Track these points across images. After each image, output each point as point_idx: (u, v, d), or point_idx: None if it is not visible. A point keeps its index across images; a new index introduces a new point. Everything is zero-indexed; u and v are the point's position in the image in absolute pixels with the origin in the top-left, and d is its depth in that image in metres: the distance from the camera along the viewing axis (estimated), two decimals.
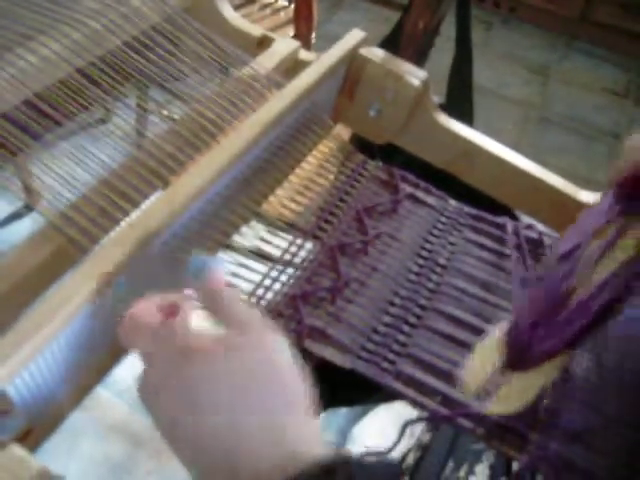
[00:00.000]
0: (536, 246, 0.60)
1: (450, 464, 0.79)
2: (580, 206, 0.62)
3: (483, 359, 0.49)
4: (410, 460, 0.86)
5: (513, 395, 0.47)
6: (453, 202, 0.63)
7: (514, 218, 0.75)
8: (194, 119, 0.56)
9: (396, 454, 0.52)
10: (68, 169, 0.50)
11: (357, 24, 0.69)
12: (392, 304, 0.52)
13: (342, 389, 0.79)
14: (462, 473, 0.77)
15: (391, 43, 0.70)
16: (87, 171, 0.51)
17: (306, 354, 0.48)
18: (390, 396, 0.49)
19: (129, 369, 0.52)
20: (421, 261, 0.56)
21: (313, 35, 0.93)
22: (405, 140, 0.73)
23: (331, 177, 0.61)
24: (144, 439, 1.15)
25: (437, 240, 0.59)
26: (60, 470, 0.35)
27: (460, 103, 0.71)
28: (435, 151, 0.71)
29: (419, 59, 0.69)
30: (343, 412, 1.26)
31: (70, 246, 0.46)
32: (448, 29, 1.06)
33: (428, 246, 0.58)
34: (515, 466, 0.73)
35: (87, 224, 0.47)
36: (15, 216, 1.44)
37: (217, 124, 0.56)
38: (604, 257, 0.50)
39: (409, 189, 0.62)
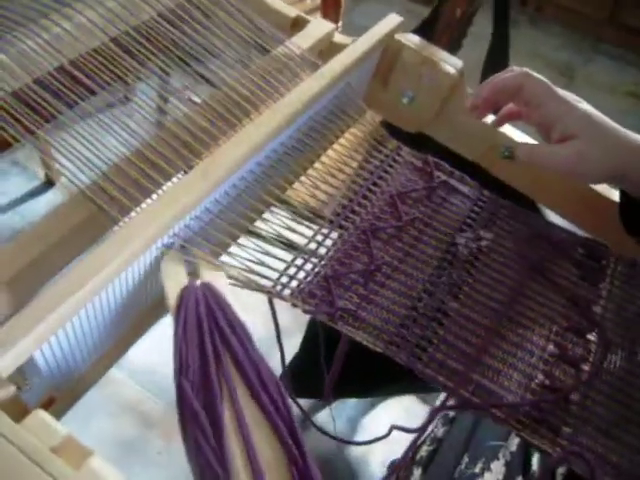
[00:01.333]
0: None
1: (465, 459, 0.78)
2: (613, 206, 0.61)
3: None
4: (424, 452, 0.85)
5: None
6: (487, 192, 0.62)
7: (537, 211, 0.73)
8: (228, 95, 0.55)
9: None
10: (94, 142, 0.48)
11: (382, 16, 0.67)
12: (424, 290, 0.51)
13: (353, 379, 0.78)
14: (477, 469, 0.76)
15: (424, 32, 0.69)
16: (114, 144, 0.50)
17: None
18: (400, 389, 0.48)
19: (143, 350, 0.51)
20: (454, 249, 0.55)
21: (340, 24, 0.91)
22: (437, 130, 0.71)
23: (364, 162, 0.60)
24: (155, 420, 1.15)
25: (471, 229, 0.57)
26: None
27: None
28: (467, 143, 0.70)
29: (452, 48, 0.68)
30: (353, 402, 1.25)
31: (100, 216, 0.45)
32: (476, 24, 1.05)
33: (462, 234, 0.56)
34: (534, 465, 0.72)
35: (118, 194, 0.46)
36: (34, 193, 1.44)
37: (251, 101, 0.55)
38: None
39: (443, 177, 0.61)
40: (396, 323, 0.48)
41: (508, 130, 0.67)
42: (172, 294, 0.42)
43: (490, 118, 0.69)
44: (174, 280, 0.43)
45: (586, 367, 0.51)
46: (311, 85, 0.55)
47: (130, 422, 1.13)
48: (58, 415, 0.43)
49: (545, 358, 0.50)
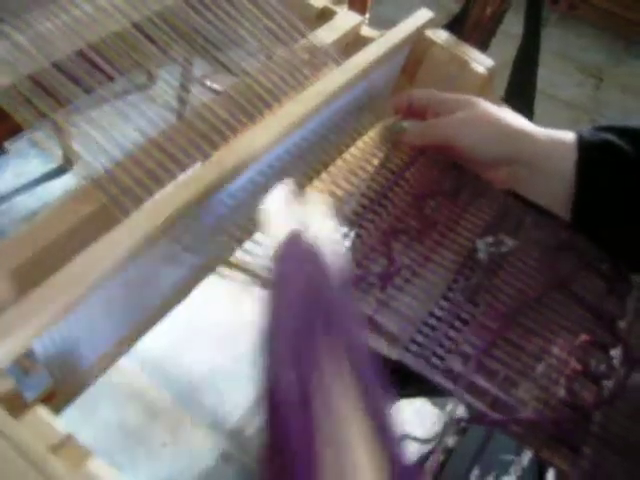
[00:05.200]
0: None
1: (476, 471, 0.76)
2: None
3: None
4: (434, 462, 0.84)
5: None
6: (513, 198, 0.59)
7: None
8: (249, 86, 0.53)
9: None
10: (111, 129, 0.47)
11: (411, 9, 0.65)
12: (444, 297, 0.49)
13: None
14: None
15: (453, 29, 0.67)
16: (130, 132, 0.48)
17: None
18: (412, 392, 0.46)
19: (152, 339, 0.50)
20: (476, 254, 0.53)
21: (367, 15, 0.89)
22: None
23: (386, 161, 0.58)
24: (161, 410, 1.14)
25: (493, 235, 0.55)
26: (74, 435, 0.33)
27: (521, 99, 0.67)
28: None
29: (481, 47, 0.66)
30: None
31: (112, 205, 0.44)
32: (506, 22, 1.02)
33: (488, 239, 0.54)
34: None
35: (132, 184, 0.44)
36: (51, 175, 1.44)
37: (273, 93, 0.53)
38: None
39: (469, 179, 0.58)
40: (413, 330, 0.46)
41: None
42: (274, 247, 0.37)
43: (518, 121, 0.67)
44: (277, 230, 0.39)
45: (609, 384, 0.48)
46: (334, 79, 0.53)
47: (136, 412, 1.12)
48: (59, 408, 0.42)
49: (566, 373, 0.48)
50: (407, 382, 0.46)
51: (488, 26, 0.87)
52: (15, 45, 0.48)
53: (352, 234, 0.51)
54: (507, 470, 0.79)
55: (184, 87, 0.52)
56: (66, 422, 0.40)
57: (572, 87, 2.24)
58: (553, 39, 2.34)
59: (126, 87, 0.49)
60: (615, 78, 2.37)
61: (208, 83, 0.53)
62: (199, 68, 0.53)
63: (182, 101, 0.52)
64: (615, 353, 0.51)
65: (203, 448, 1.12)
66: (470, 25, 0.85)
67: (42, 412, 0.33)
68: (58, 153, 1.44)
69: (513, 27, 1.02)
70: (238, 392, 1.20)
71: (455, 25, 0.84)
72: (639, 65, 2.44)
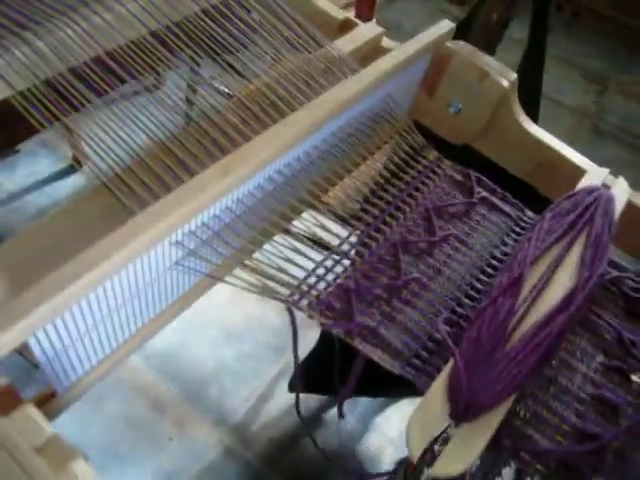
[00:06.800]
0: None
1: (477, 461, 0.75)
2: (572, 168, 0.61)
3: (427, 415, 0.41)
4: (435, 452, 0.82)
5: (460, 450, 0.40)
6: (530, 213, 0.58)
7: None
8: (264, 94, 0.53)
9: None
10: (120, 132, 0.47)
11: (415, 15, 0.65)
12: (453, 312, 0.48)
13: (366, 380, 0.75)
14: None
15: (459, 34, 0.65)
16: (138, 135, 0.48)
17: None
18: (413, 392, 0.44)
19: (159, 334, 0.50)
20: (489, 270, 0.51)
21: (374, 21, 0.88)
22: (484, 143, 0.68)
23: (400, 172, 0.57)
24: (167, 405, 1.15)
25: (509, 251, 0.53)
26: (80, 429, 0.32)
27: (526, 105, 0.65)
28: (516, 158, 0.66)
29: (487, 52, 0.65)
30: (365, 401, 1.22)
31: (118, 206, 0.44)
32: (511, 27, 1.00)
33: (498, 255, 0.52)
34: None
35: (138, 188, 0.44)
36: (61, 174, 1.48)
37: (287, 101, 0.53)
38: (548, 286, 0.47)
39: (484, 193, 0.57)
40: (418, 344, 0.45)
41: (557, 144, 0.64)
42: None
43: (541, 133, 0.65)
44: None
45: (628, 411, 0.46)
46: (348, 87, 0.52)
47: (142, 407, 1.14)
48: (57, 411, 0.42)
49: (581, 397, 0.46)
50: (405, 383, 0.44)
51: (494, 32, 0.85)
52: (35, 51, 0.50)
53: (360, 244, 0.50)
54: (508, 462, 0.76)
55: (192, 89, 0.52)
56: (73, 416, 0.40)
57: (576, 93, 2.21)
58: (557, 45, 2.31)
59: (134, 89, 0.49)
60: (618, 85, 2.31)
61: (216, 85, 0.53)
62: (205, 70, 0.53)
63: (190, 102, 0.52)
64: (636, 378, 0.49)
65: (208, 443, 1.13)
66: (476, 31, 0.84)
67: (31, 411, 0.33)
68: (68, 153, 1.48)
69: (519, 32, 1.00)
70: (243, 388, 1.21)
71: (461, 30, 0.83)
72: None
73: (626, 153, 2.00)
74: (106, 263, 0.35)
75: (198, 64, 0.51)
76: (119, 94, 0.48)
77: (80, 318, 0.38)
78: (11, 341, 0.32)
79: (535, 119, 0.89)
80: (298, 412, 0.73)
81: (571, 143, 0.65)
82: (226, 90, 0.52)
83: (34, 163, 1.48)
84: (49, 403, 0.41)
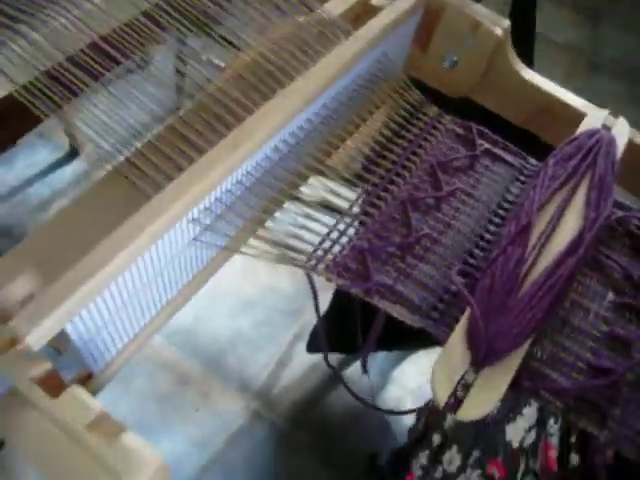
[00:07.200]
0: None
1: (475, 454, 0.78)
2: (574, 114, 0.61)
3: (449, 363, 0.44)
4: (435, 443, 0.86)
5: (483, 394, 0.42)
6: (533, 160, 0.59)
7: None
8: (260, 64, 0.53)
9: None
10: (118, 113, 0.48)
11: None
12: (465, 263, 0.49)
13: (383, 333, 0.78)
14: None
15: None
16: (138, 113, 0.49)
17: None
18: (430, 342, 0.46)
19: (179, 313, 0.52)
20: (497, 220, 0.52)
21: None
22: (481, 94, 0.68)
23: (402, 130, 0.57)
24: (192, 379, 1.19)
25: (515, 199, 0.54)
26: (111, 406, 0.34)
27: (519, 46, 0.65)
28: (515, 106, 0.66)
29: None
30: (382, 355, 1.26)
31: (132, 192, 0.45)
32: None
33: (505, 205, 0.53)
34: None
35: (151, 170, 0.45)
36: (60, 163, 1.48)
37: (284, 70, 0.53)
38: (555, 231, 0.48)
39: (487, 145, 0.58)
40: (435, 297, 0.47)
41: (555, 89, 0.64)
42: None
43: (538, 79, 0.66)
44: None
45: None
46: (344, 51, 0.53)
47: (167, 382, 1.18)
48: (98, 388, 0.44)
49: (594, 335, 0.47)
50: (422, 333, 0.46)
51: None
52: (31, 42, 0.50)
53: (369, 205, 0.51)
54: (528, 402, 0.79)
55: (182, 61, 0.53)
56: (105, 396, 0.42)
57: (568, 29, 2.13)
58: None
59: (128, 67, 0.49)
60: (611, 18, 2.23)
61: (204, 58, 0.53)
62: (194, 42, 0.54)
63: (182, 74, 0.52)
64: None
65: (232, 410, 1.18)
66: None
67: (78, 391, 0.35)
68: (64, 142, 1.48)
69: None
70: (261, 354, 1.25)
71: None
72: (635, 2, 2.30)
73: (624, 87, 1.97)
74: (132, 245, 0.37)
75: (185, 35, 0.51)
76: (113, 75, 0.49)
77: (111, 301, 0.39)
78: (52, 328, 0.34)
79: (530, 62, 0.89)
80: (328, 364, 0.76)
81: (568, 81, 0.65)
82: (218, 62, 0.53)
83: (32, 154, 1.48)
84: (88, 383, 0.43)
